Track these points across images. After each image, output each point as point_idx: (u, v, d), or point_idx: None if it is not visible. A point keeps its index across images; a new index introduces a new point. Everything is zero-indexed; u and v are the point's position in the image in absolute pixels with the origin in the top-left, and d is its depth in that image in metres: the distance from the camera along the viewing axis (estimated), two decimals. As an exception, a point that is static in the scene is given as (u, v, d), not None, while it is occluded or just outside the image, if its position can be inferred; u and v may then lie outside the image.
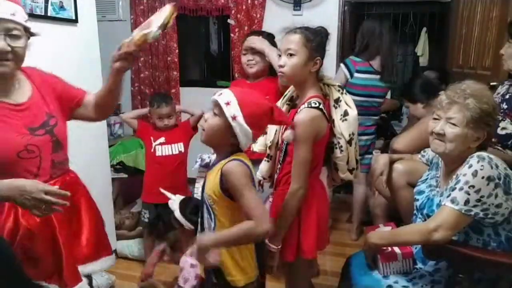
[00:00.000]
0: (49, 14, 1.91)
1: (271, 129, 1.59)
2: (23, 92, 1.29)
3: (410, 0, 5.27)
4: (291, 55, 1.41)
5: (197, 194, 1.98)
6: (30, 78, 1.34)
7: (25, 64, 1.29)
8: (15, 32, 1.17)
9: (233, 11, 3.44)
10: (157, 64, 3.74)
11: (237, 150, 1.26)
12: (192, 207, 1.74)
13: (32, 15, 1.81)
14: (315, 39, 1.43)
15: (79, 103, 1.44)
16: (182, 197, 1.83)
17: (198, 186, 2.12)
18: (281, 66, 1.44)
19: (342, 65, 2.69)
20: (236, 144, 1.24)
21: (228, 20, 3.49)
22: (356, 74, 2.63)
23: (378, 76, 2.63)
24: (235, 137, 1.22)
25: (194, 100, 2.98)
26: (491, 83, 2.07)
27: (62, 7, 1.98)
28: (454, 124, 1.31)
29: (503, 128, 1.70)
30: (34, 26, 1.67)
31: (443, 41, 4.61)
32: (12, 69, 1.21)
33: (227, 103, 1.20)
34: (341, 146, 1.49)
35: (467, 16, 2.76)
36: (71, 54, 2.07)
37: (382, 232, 1.53)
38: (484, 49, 2.47)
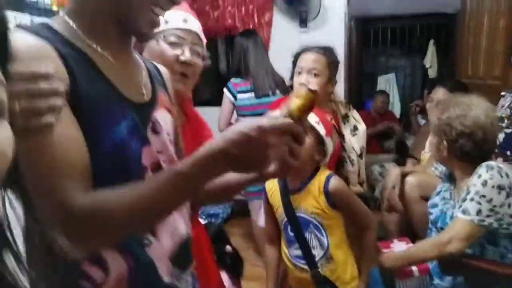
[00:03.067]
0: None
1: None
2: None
3: (416, 13, 5.30)
4: (316, 75, 1.45)
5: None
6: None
7: None
8: (197, 48, 1.05)
9: (240, 31, 3.50)
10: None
11: (317, 166, 1.29)
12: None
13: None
14: (335, 62, 1.48)
15: None
16: None
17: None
18: (303, 85, 1.46)
19: (225, 90, 2.53)
20: (319, 160, 1.28)
21: (235, 40, 3.55)
22: (239, 96, 2.47)
23: None
24: (321, 154, 1.25)
25: (205, 119, 3.01)
26: (502, 93, 2.05)
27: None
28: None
29: None
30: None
31: (451, 52, 4.60)
32: (188, 88, 1.07)
33: (317, 122, 1.22)
34: (353, 160, 1.50)
35: (474, 26, 2.76)
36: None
37: (396, 254, 1.50)
38: (492, 59, 2.46)
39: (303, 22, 3.33)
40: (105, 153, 0.63)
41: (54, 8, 1.93)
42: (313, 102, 0.68)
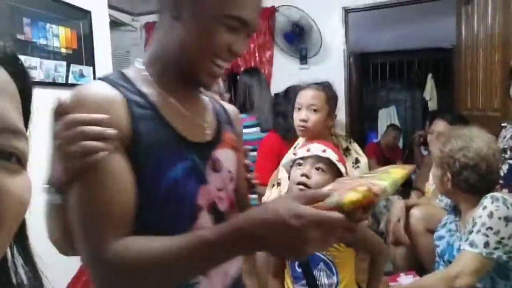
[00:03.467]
0: (69, 82, 2.04)
1: (284, 179, 1.60)
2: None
3: (413, 48, 5.45)
4: (315, 110, 1.47)
5: None
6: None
7: (46, 127, 1.32)
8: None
9: (242, 68, 3.60)
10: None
11: None
12: None
13: (54, 84, 1.94)
14: (334, 96, 1.51)
15: None
16: None
17: None
18: (303, 121, 1.49)
19: None
20: None
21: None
22: (245, 130, 2.52)
23: None
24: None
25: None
26: (502, 124, 2.07)
27: (82, 75, 2.12)
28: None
29: None
30: (56, 93, 1.74)
31: (449, 85, 4.68)
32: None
33: (338, 160, 1.19)
34: (356, 193, 1.49)
35: (471, 60, 2.83)
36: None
37: (404, 287, 1.47)
38: (491, 91, 2.50)
39: (303, 59, 3.42)
40: (159, 194, 0.66)
41: (63, 50, 2.01)
42: (371, 202, 0.57)
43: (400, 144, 5.06)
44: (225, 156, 0.79)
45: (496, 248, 1.21)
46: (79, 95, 0.66)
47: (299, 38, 3.36)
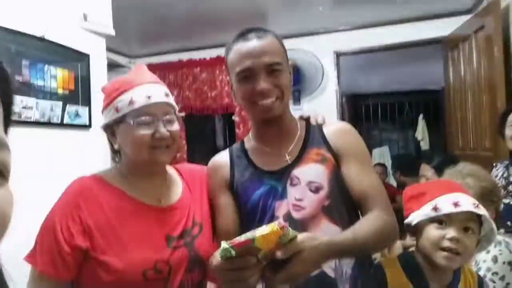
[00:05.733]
0: (65, 122, 2.04)
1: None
2: (174, 191, 1.08)
3: (404, 90, 5.60)
4: None
5: None
6: (182, 175, 1.14)
7: (39, 166, 1.32)
8: (170, 116, 1.01)
9: (237, 108, 3.65)
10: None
11: None
12: None
13: (49, 124, 1.95)
14: None
15: None
16: None
17: None
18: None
19: None
20: None
21: (233, 117, 3.69)
22: None
23: None
24: None
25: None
26: (494, 163, 2.09)
27: (77, 115, 2.13)
28: None
29: None
30: (50, 133, 1.75)
31: (440, 126, 4.76)
32: (171, 155, 1.04)
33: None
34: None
35: (460, 103, 2.90)
36: (84, 156, 2.16)
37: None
38: (481, 131, 2.54)
39: (297, 101, 3.49)
40: (248, 210, 1.03)
41: (60, 91, 2.03)
42: (278, 234, 0.69)
43: (394, 182, 5.06)
44: (305, 171, 1.01)
45: None
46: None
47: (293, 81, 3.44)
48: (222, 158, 1.12)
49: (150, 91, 0.98)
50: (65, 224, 0.92)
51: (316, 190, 1.00)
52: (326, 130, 1.08)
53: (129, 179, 1.03)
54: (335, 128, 1.09)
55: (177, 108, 1.07)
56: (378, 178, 1.05)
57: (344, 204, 1.01)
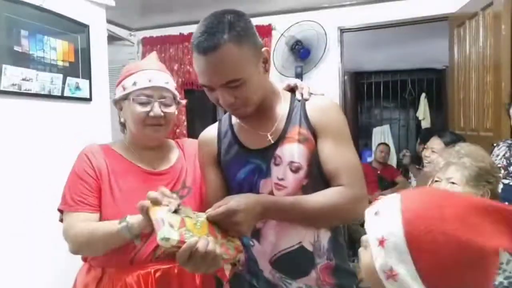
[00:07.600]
0: (65, 94, 2.03)
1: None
2: (168, 159, 1.27)
3: (406, 69, 5.53)
4: None
5: None
6: (181, 147, 1.33)
7: (40, 138, 1.33)
8: (166, 100, 1.19)
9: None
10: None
11: None
12: None
13: (49, 96, 1.93)
14: None
15: None
16: None
17: None
18: None
19: None
20: None
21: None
22: None
23: None
24: None
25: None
26: (494, 144, 2.09)
27: (77, 88, 2.11)
28: (454, 183, 1.32)
29: None
30: (51, 105, 1.74)
31: (442, 105, 4.73)
32: (163, 134, 1.23)
33: None
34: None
35: (463, 81, 2.87)
36: (84, 130, 2.16)
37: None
38: (483, 111, 2.53)
39: (299, 77, 3.45)
40: (234, 187, 1.08)
41: (60, 63, 2.01)
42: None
43: (394, 163, 5.08)
44: (286, 150, 1.03)
45: None
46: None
47: (295, 56, 3.40)
48: (210, 133, 1.17)
49: (152, 76, 1.18)
50: (83, 169, 1.16)
51: (296, 170, 1.03)
52: (309, 107, 1.07)
53: (130, 149, 1.25)
54: (316, 105, 1.08)
55: (177, 95, 1.24)
56: (355, 157, 1.05)
57: (323, 183, 1.02)
